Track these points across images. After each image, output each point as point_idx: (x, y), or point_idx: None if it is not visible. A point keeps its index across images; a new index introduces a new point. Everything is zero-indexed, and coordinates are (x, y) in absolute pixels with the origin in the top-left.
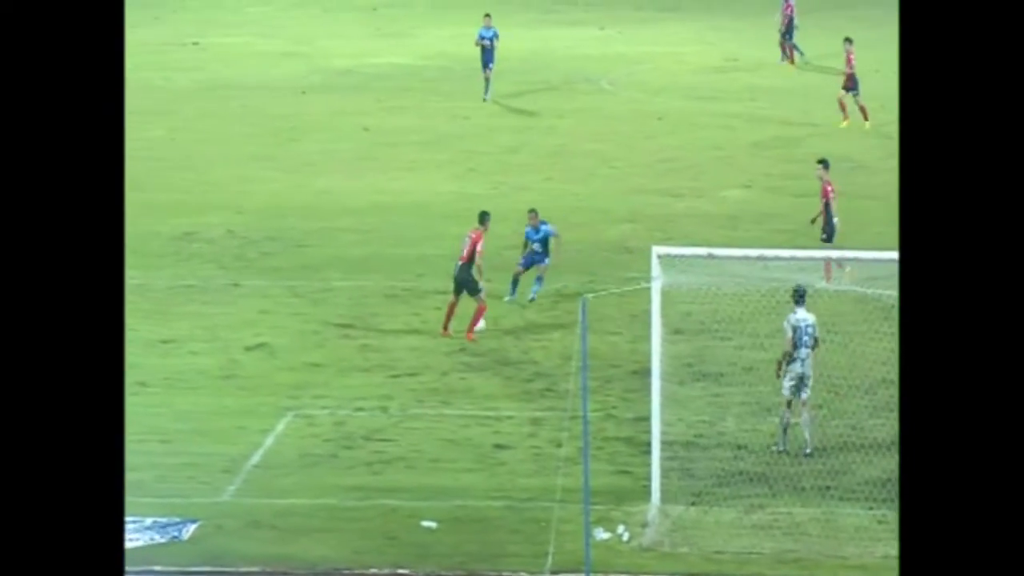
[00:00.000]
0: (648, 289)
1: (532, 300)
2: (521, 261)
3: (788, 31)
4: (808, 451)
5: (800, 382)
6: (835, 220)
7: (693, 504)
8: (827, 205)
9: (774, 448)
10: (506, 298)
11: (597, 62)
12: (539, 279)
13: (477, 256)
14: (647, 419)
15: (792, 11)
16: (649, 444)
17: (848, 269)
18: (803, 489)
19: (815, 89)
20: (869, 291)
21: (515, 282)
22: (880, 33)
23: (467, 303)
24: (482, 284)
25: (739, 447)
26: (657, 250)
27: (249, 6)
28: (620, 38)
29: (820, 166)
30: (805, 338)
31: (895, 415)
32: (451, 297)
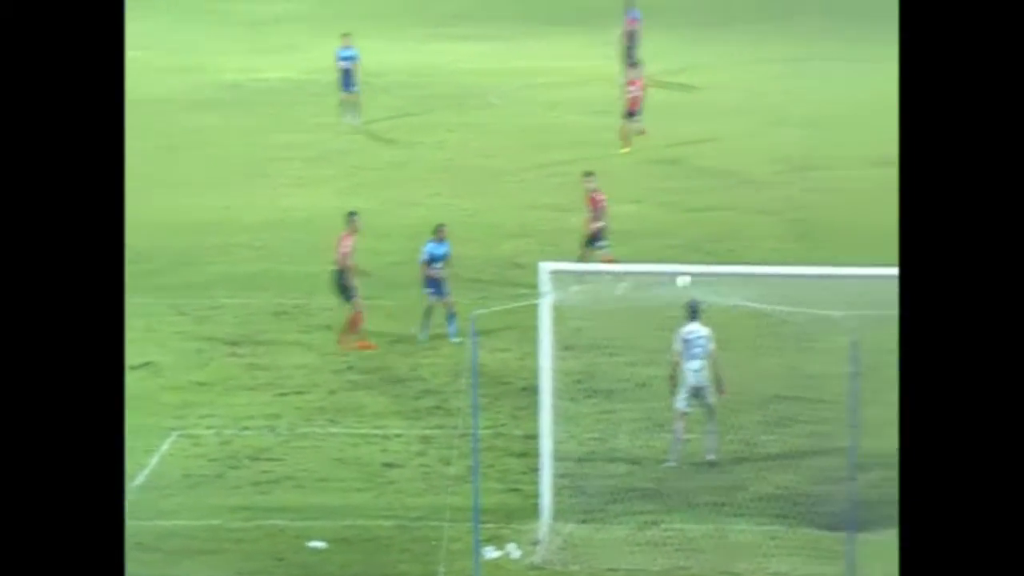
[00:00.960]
0: (538, 305)
1: (458, 342)
2: (429, 290)
3: (632, 44)
4: (712, 457)
5: (695, 394)
6: (598, 226)
7: (584, 521)
8: (595, 214)
9: (666, 463)
10: (420, 336)
11: (485, 76)
12: (451, 317)
13: (344, 259)
14: (537, 436)
15: (636, 25)
16: (540, 461)
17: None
18: (696, 505)
19: (705, 105)
20: (761, 306)
21: (427, 319)
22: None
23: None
24: (355, 289)
25: (631, 463)
26: (547, 266)
27: (132, 21)
28: (508, 53)
29: (587, 177)
30: (697, 350)
31: (788, 430)
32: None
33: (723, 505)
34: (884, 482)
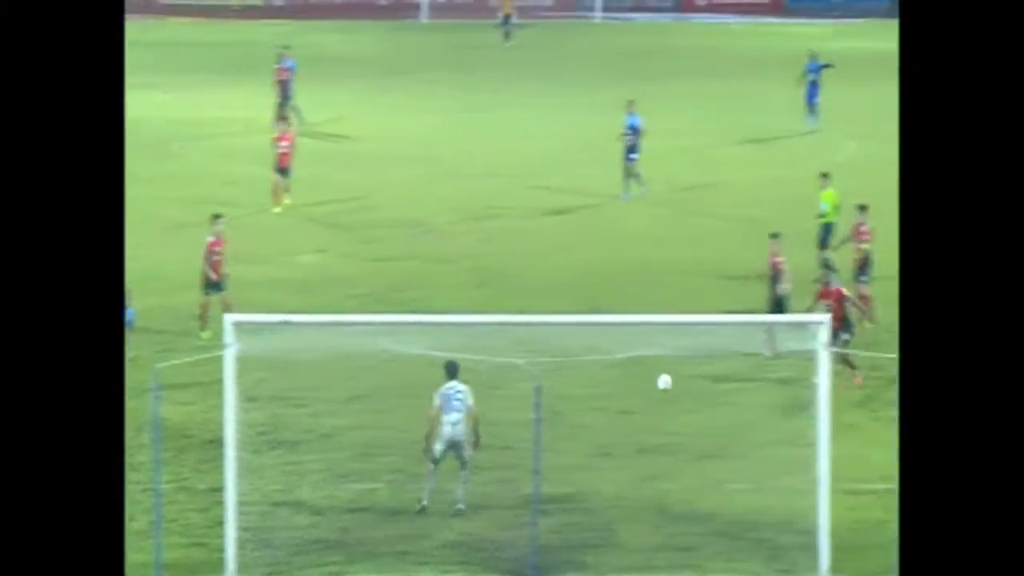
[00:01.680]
0: (222, 357)
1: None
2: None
3: (285, 96)
4: (461, 507)
5: (451, 446)
6: None
7: (270, 574)
8: None
9: (417, 506)
10: None
11: (166, 126)
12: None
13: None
14: (222, 489)
15: (288, 75)
16: (224, 514)
17: None
18: (380, 554)
19: (391, 153)
20: (441, 355)
21: None
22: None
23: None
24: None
25: (316, 514)
26: (231, 317)
27: None
28: (185, 102)
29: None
30: (456, 403)
31: (472, 477)
32: None
33: (406, 554)
34: (565, 527)
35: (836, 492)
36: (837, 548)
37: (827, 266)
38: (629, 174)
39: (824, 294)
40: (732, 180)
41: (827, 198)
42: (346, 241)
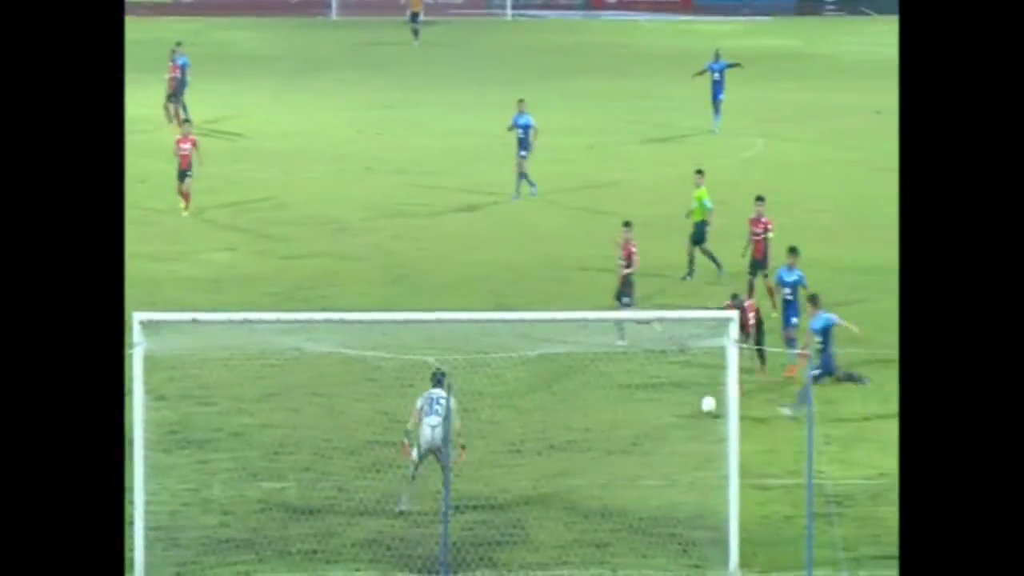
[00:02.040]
0: (130, 356)
1: None
2: None
3: (175, 93)
4: (405, 508)
5: (431, 449)
6: None
7: (179, 574)
8: None
9: (396, 508)
10: None
11: None
12: None
13: None
14: (129, 490)
15: (180, 72)
16: (131, 515)
17: None
18: (290, 553)
19: (300, 153)
20: (353, 352)
21: None
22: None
23: None
24: None
25: (225, 513)
26: (139, 316)
27: None
28: None
29: None
30: (437, 407)
31: (380, 475)
32: None
33: (317, 552)
34: (477, 524)
35: (745, 487)
36: (746, 543)
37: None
38: (520, 173)
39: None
40: (638, 178)
41: (701, 196)
42: (257, 239)
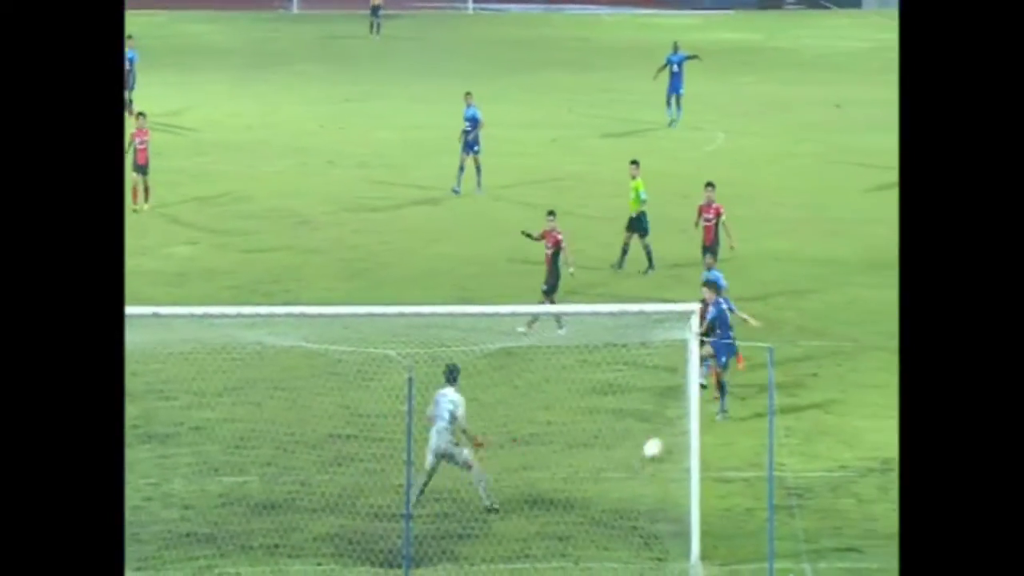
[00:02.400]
0: None
1: None
2: None
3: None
4: (488, 503)
5: (441, 455)
6: None
7: (139, 569)
8: None
9: (415, 505)
10: None
11: None
12: None
13: None
14: None
15: (129, 67)
16: None
17: None
18: (252, 547)
19: (262, 145)
20: (316, 347)
21: None
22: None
23: None
24: None
25: (186, 508)
26: None
27: None
28: None
29: None
30: (444, 412)
31: (342, 469)
32: None
33: (279, 547)
34: (439, 518)
35: (706, 480)
36: (708, 535)
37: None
38: (464, 167)
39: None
40: (599, 171)
41: (637, 187)
42: (219, 233)
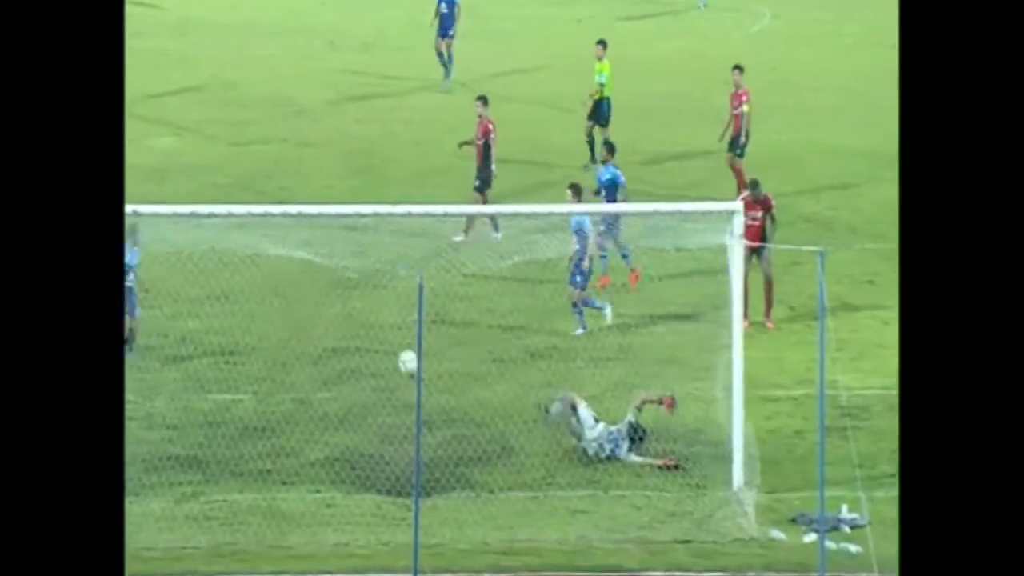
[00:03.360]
0: None
1: None
2: None
3: None
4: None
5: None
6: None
7: None
8: None
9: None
10: None
11: None
12: None
13: None
14: None
15: None
16: None
17: None
18: (241, 473)
19: (252, 26)
20: (316, 258)
21: None
22: None
23: None
24: None
25: (170, 428)
26: None
27: None
28: None
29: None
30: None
31: (345, 387)
32: None
33: (271, 472)
34: (452, 441)
35: (750, 399)
36: (751, 460)
37: (755, 184)
38: (439, 52)
39: (751, 206)
40: (629, 54)
41: (602, 70)
42: (206, 123)
